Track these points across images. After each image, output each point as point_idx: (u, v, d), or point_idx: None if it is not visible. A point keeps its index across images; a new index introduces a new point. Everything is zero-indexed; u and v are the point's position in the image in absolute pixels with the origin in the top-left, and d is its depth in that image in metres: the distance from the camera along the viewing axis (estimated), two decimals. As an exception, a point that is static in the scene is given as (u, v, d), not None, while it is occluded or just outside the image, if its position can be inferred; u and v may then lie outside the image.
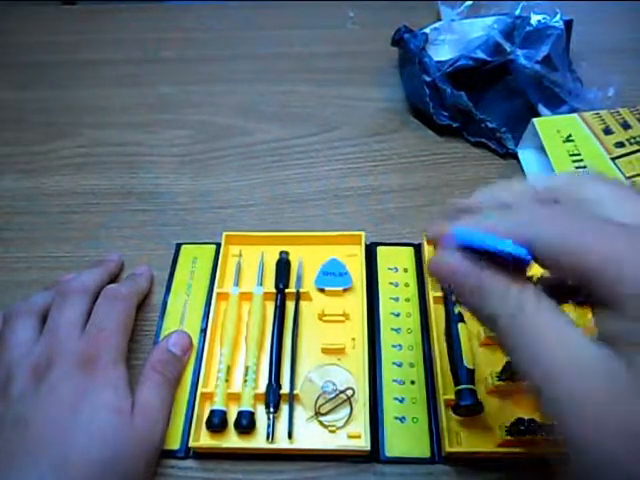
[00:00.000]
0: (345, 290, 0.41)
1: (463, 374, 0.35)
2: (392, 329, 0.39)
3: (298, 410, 0.36)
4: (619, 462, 0.19)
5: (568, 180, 0.24)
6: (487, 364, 0.36)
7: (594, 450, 0.20)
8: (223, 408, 0.35)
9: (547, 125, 0.48)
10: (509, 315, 0.22)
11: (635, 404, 0.19)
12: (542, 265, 0.22)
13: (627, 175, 0.44)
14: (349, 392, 0.35)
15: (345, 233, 0.44)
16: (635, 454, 0.19)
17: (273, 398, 0.35)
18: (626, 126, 0.47)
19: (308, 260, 0.43)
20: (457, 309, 0.39)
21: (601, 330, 0.22)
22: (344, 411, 0.35)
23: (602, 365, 0.20)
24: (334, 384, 0.36)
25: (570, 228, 0.21)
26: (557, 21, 0.54)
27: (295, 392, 0.36)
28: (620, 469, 0.19)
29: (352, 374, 0.37)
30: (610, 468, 0.20)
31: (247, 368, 0.37)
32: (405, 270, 0.43)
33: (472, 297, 0.23)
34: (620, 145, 0.46)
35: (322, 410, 0.35)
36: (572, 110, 0.51)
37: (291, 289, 0.41)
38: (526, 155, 0.51)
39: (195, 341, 0.39)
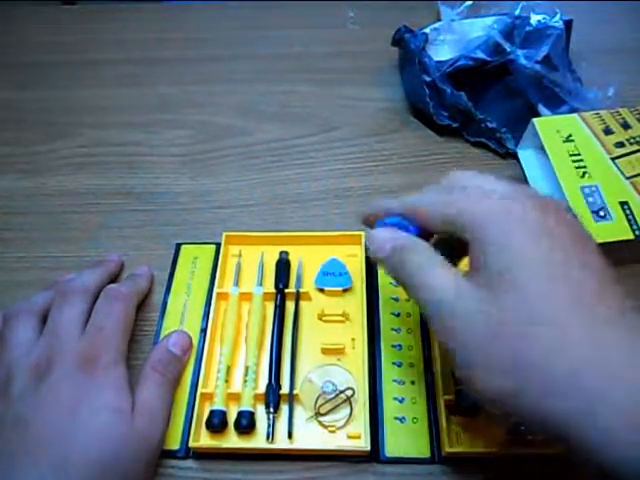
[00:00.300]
0: (345, 290, 0.41)
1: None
2: (392, 329, 0.39)
3: (298, 410, 0.36)
4: (508, 395, 0.24)
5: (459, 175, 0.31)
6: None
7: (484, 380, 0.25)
8: (223, 408, 0.35)
9: (547, 125, 0.48)
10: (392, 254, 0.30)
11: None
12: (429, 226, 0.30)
13: (627, 175, 0.44)
14: (349, 392, 0.35)
15: (345, 233, 0.44)
16: (523, 383, 0.23)
17: (273, 398, 0.35)
18: (626, 126, 0.47)
19: (308, 260, 0.43)
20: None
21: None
22: (344, 411, 0.35)
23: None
24: (334, 384, 0.36)
25: (442, 198, 0.30)
26: (557, 21, 0.54)
27: (295, 392, 0.36)
28: (509, 400, 0.24)
29: (352, 374, 0.37)
30: (500, 400, 0.24)
31: (247, 368, 0.37)
32: (405, 270, 0.43)
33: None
34: (620, 145, 0.46)
35: (322, 410, 0.35)
36: (572, 110, 0.51)
37: (291, 289, 0.41)
38: (526, 155, 0.51)
39: (195, 341, 0.39)
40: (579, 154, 0.46)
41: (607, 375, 0.22)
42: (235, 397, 0.36)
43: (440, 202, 0.29)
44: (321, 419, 0.35)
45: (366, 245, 0.32)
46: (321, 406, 0.35)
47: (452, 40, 0.57)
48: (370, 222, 0.33)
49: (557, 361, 0.23)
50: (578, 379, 0.22)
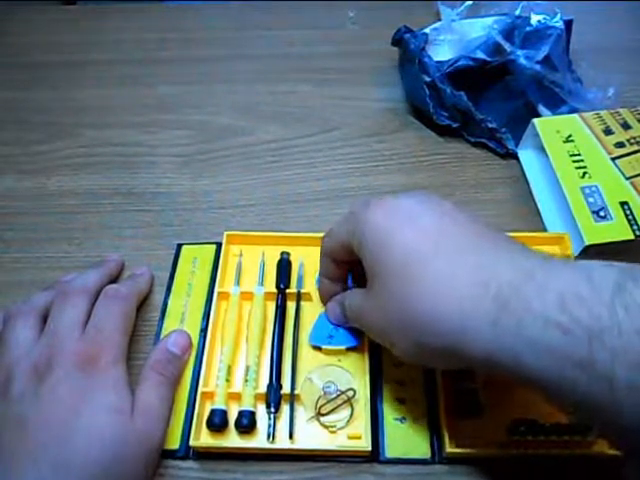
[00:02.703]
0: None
1: (463, 374, 0.35)
2: (392, 329, 0.39)
3: (299, 410, 0.36)
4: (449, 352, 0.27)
5: None
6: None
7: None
8: (224, 408, 0.35)
9: (547, 125, 0.48)
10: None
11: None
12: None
13: (627, 175, 0.44)
14: (350, 393, 0.35)
15: (345, 233, 0.44)
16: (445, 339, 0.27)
17: (274, 398, 0.35)
18: (626, 126, 0.47)
19: (309, 260, 0.43)
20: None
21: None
22: (345, 412, 0.35)
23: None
24: (335, 385, 0.36)
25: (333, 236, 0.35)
26: (557, 21, 0.54)
27: (296, 392, 0.36)
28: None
29: (352, 375, 0.37)
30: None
31: (248, 368, 0.37)
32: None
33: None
34: (620, 145, 0.46)
35: (323, 411, 0.35)
36: (572, 110, 0.51)
37: (292, 289, 0.41)
38: (526, 155, 0.51)
39: (195, 341, 0.39)
40: (579, 154, 0.46)
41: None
42: (236, 397, 0.36)
43: (334, 239, 0.35)
44: (322, 419, 0.35)
45: None
46: (322, 406, 0.35)
47: (452, 40, 0.57)
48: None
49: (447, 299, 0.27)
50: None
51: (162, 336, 0.39)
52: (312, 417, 0.35)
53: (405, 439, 0.35)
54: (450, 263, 0.27)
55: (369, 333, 0.34)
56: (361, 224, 0.31)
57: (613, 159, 0.45)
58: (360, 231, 0.31)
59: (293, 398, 0.36)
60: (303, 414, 0.36)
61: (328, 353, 0.38)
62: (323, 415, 0.35)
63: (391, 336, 0.30)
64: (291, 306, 0.40)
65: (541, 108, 0.52)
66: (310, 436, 0.35)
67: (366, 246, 0.30)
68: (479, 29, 0.56)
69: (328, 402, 0.35)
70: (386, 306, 0.29)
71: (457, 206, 0.31)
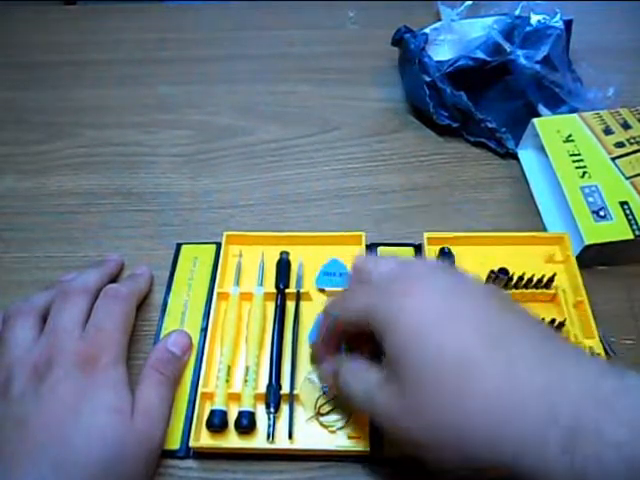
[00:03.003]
0: (345, 290, 0.41)
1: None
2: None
3: (298, 410, 0.36)
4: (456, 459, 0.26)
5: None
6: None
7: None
8: (223, 408, 0.35)
9: (547, 125, 0.48)
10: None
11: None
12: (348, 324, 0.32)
13: (627, 175, 0.44)
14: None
15: (346, 233, 0.44)
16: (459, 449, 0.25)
17: (273, 398, 0.35)
18: (626, 126, 0.47)
19: (308, 260, 0.43)
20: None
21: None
22: (344, 412, 0.35)
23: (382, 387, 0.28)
24: None
25: (350, 296, 0.32)
26: (557, 21, 0.54)
27: (295, 392, 0.36)
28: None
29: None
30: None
31: (247, 368, 0.37)
32: (405, 270, 0.43)
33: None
34: (620, 145, 0.46)
35: (322, 410, 0.35)
36: (572, 110, 0.51)
37: (291, 289, 0.41)
38: (526, 155, 0.51)
39: (195, 341, 0.39)
40: (579, 154, 0.46)
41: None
42: (235, 397, 0.36)
43: (347, 308, 0.32)
44: (321, 419, 0.35)
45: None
46: (321, 406, 0.35)
47: (452, 40, 0.57)
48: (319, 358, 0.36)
49: (471, 405, 0.24)
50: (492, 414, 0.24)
51: (162, 336, 0.39)
52: (311, 417, 0.35)
53: (405, 439, 0.35)
54: (512, 377, 0.24)
55: (384, 426, 0.29)
56: (393, 312, 0.27)
57: (613, 159, 0.45)
58: (390, 319, 0.27)
59: (292, 398, 0.36)
60: (303, 414, 0.36)
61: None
62: (322, 415, 0.35)
63: (428, 446, 0.26)
64: (290, 306, 0.40)
65: (541, 108, 0.52)
66: (310, 436, 0.35)
67: (399, 341, 0.27)
68: (479, 29, 0.56)
69: (327, 402, 0.35)
70: (427, 415, 0.26)
71: (498, 291, 0.29)
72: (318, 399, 0.35)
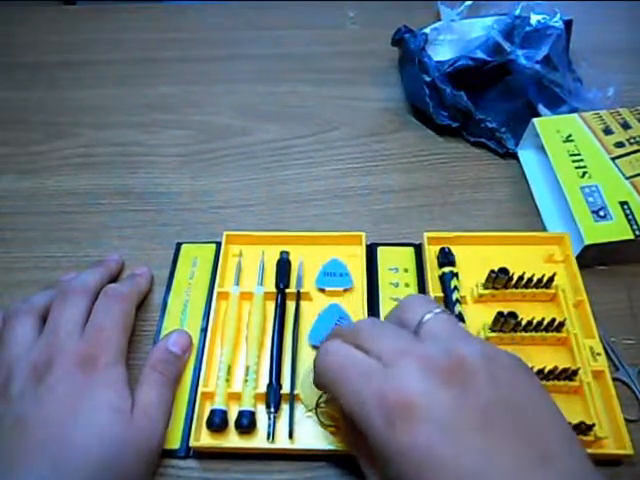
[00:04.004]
0: (345, 290, 0.41)
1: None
2: (392, 329, 0.39)
3: (298, 410, 0.36)
4: None
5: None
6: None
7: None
8: (224, 408, 0.35)
9: (547, 125, 0.48)
10: None
11: None
12: None
13: (627, 175, 0.44)
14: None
15: (345, 233, 0.44)
16: None
17: (274, 398, 0.35)
18: (626, 126, 0.47)
19: (308, 260, 0.43)
20: (457, 309, 0.39)
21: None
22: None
23: None
24: None
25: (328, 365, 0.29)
26: (557, 21, 0.54)
27: (296, 392, 0.36)
28: None
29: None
30: None
31: (247, 368, 0.37)
32: (405, 270, 0.43)
33: None
34: (620, 145, 0.46)
35: (322, 404, 0.35)
36: (572, 110, 0.51)
37: (291, 289, 0.41)
38: (526, 155, 0.51)
39: (195, 341, 0.39)
40: (579, 154, 0.46)
41: None
42: (236, 397, 0.36)
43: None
44: (320, 415, 0.35)
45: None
46: (321, 401, 0.35)
47: (452, 40, 0.57)
48: None
49: None
50: None
51: (162, 336, 0.39)
52: (311, 409, 0.35)
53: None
54: None
55: None
56: (385, 443, 0.25)
57: (613, 159, 0.45)
58: (382, 449, 0.25)
59: (293, 398, 0.36)
60: (303, 414, 0.36)
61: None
62: (321, 408, 0.35)
63: None
64: (291, 306, 0.40)
65: (541, 108, 0.52)
66: (310, 436, 0.35)
67: (395, 467, 0.25)
68: (479, 29, 0.56)
69: (328, 400, 0.35)
70: None
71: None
72: (321, 397, 0.35)
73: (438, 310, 0.29)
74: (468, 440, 0.24)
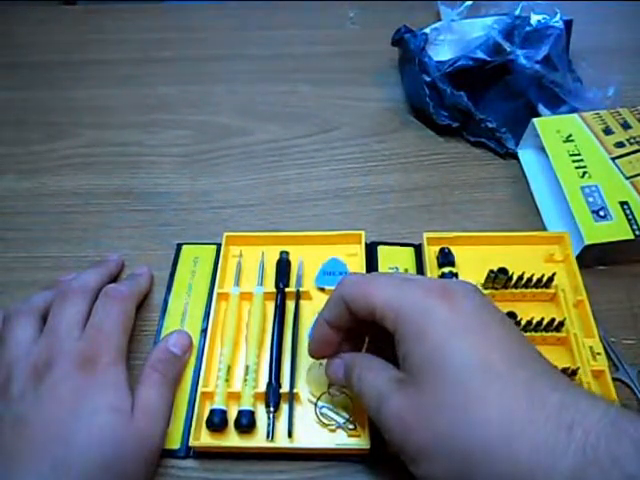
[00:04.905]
0: (345, 290, 0.41)
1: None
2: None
3: (298, 409, 0.36)
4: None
5: None
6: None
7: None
8: (223, 407, 0.35)
9: (547, 125, 0.48)
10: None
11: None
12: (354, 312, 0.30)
13: (627, 175, 0.44)
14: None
15: (345, 232, 0.44)
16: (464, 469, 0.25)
17: (273, 397, 0.35)
18: (626, 126, 0.47)
19: (308, 260, 0.43)
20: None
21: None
22: (344, 410, 0.35)
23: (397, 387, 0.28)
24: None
25: (359, 289, 0.30)
26: (557, 21, 0.54)
27: (295, 391, 0.36)
28: None
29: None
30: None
31: (247, 367, 0.37)
32: (405, 270, 0.43)
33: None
34: (620, 145, 0.46)
35: (323, 398, 0.35)
36: (572, 110, 0.51)
37: (291, 288, 0.41)
38: (526, 155, 0.51)
39: (196, 341, 0.39)
40: (579, 154, 0.46)
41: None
42: (235, 396, 0.36)
43: (359, 294, 0.30)
44: (322, 420, 0.35)
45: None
46: (323, 394, 0.35)
47: (452, 40, 0.57)
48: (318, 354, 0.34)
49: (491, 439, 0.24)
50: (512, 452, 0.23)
51: (162, 336, 0.39)
52: (324, 393, 0.35)
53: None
54: (532, 392, 0.24)
55: (389, 436, 0.28)
56: (421, 313, 0.27)
57: (613, 159, 0.45)
58: (418, 322, 0.27)
59: (292, 397, 0.36)
60: (303, 413, 0.36)
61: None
62: (333, 397, 0.35)
63: (429, 457, 0.26)
64: (290, 305, 0.40)
65: (541, 108, 0.52)
66: (309, 435, 0.35)
67: (426, 350, 0.26)
68: (479, 29, 0.56)
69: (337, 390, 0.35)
70: (441, 423, 0.25)
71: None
72: (321, 395, 0.35)
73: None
74: (496, 330, 0.27)
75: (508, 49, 0.52)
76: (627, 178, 0.44)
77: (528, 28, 0.54)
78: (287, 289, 0.41)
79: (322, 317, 0.32)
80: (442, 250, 0.42)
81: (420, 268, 0.42)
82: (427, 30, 0.57)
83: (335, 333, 0.32)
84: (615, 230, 0.41)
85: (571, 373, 0.35)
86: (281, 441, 0.34)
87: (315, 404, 0.35)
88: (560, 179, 0.44)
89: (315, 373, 0.37)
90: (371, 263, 0.43)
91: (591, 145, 0.46)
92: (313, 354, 0.34)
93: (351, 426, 0.35)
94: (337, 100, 0.58)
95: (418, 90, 0.53)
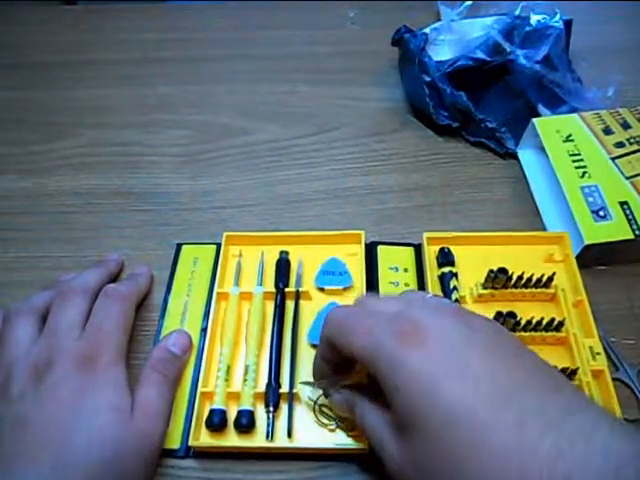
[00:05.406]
0: (345, 289, 0.41)
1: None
2: (392, 329, 0.39)
3: (298, 409, 0.36)
4: None
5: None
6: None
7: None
8: (223, 407, 0.35)
9: (547, 125, 0.48)
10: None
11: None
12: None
13: (627, 175, 0.44)
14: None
15: (345, 232, 0.44)
16: None
17: (273, 397, 0.35)
18: (626, 126, 0.47)
19: (308, 259, 0.43)
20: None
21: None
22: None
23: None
24: None
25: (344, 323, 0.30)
26: (557, 21, 0.54)
27: (295, 391, 0.36)
28: None
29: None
30: None
31: (247, 367, 0.37)
32: (405, 270, 0.43)
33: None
34: (620, 145, 0.46)
35: (322, 407, 0.35)
36: (572, 110, 0.51)
37: (291, 288, 0.41)
38: (526, 155, 0.51)
39: (195, 341, 0.39)
40: (579, 154, 0.46)
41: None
42: (235, 396, 0.36)
43: (340, 338, 0.30)
44: (319, 414, 0.35)
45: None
46: (320, 404, 0.35)
47: (452, 40, 0.57)
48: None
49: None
50: None
51: (162, 336, 0.39)
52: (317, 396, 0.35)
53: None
54: (521, 440, 0.23)
55: (390, 468, 0.28)
56: (399, 362, 0.26)
57: (613, 159, 0.45)
58: (396, 371, 0.26)
59: (292, 397, 0.36)
60: (302, 413, 0.36)
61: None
62: (320, 401, 0.35)
63: None
64: (290, 305, 0.40)
65: (541, 108, 0.52)
66: (309, 435, 0.35)
67: (408, 398, 0.26)
68: (479, 29, 0.56)
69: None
70: (434, 474, 0.25)
71: (507, 335, 0.28)
72: (317, 399, 0.35)
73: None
74: (474, 358, 0.26)
75: (508, 49, 0.53)
76: (627, 178, 0.44)
77: (528, 28, 0.54)
78: (287, 289, 0.41)
79: (317, 351, 0.33)
80: (442, 250, 0.42)
81: (420, 268, 0.42)
82: (427, 30, 0.57)
83: (328, 366, 0.32)
84: (615, 230, 0.41)
85: (571, 373, 0.35)
86: (280, 441, 0.34)
87: (314, 403, 0.35)
88: (560, 179, 0.44)
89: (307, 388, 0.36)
90: (371, 263, 0.43)
91: (591, 145, 0.46)
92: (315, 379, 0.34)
93: (350, 426, 0.35)
94: (337, 100, 0.58)
95: (418, 90, 0.53)
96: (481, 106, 0.52)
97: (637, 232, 0.41)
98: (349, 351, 0.29)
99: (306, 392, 0.36)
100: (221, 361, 0.37)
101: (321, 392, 0.35)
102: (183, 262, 0.44)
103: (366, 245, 0.43)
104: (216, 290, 0.41)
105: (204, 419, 0.35)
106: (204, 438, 0.35)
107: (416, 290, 0.34)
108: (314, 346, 0.39)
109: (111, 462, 0.31)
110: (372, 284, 0.41)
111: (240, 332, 0.39)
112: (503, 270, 0.39)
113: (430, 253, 0.42)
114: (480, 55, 0.52)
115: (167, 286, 0.43)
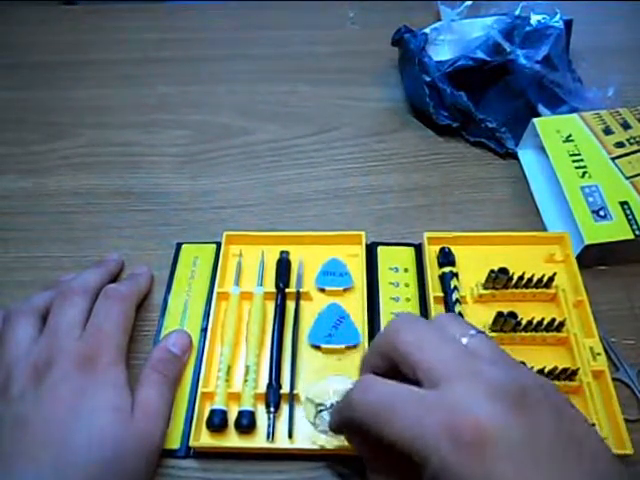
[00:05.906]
0: (345, 290, 0.41)
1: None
2: (392, 329, 0.39)
3: (298, 410, 0.36)
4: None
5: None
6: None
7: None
8: (223, 408, 0.35)
9: (547, 125, 0.48)
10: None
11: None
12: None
13: (627, 175, 0.44)
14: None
15: (345, 233, 0.44)
16: None
17: (273, 398, 0.35)
18: (626, 126, 0.47)
19: (308, 260, 0.43)
20: (457, 309, 0.39)
21: None
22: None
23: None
24: (331, 399, 0.34)
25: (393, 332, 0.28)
26: (557, 21, 0.54)
27: (295, 392, 0.36)
28: None
29: (352, 377, 0.36)
30: None
31: (247, 368, 0.37)
32: (406, 270, 0.43)
33: None
34: (620, 145, 0.46)
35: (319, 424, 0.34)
36: (572, 110, 0.51)
37: (291, 289, 0.41)
38: (526, 155, 0.51)
39: (196, 341, 0.39)
40: (579, 154, 0.46)
41: None
42: (235, 397, 0.36)
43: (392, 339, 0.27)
44: (319, 423, 0.34)
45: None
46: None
47: (452, 40, 0.57)
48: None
49: None
50: None
51: (162, 335, 0.39)
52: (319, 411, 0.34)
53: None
54: None
55: None
56: (448, 477, 0.23)
57: (613, 159, 0.45)
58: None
59: (292, 398, 0.36)
60: (302, 413, 0.35)
61: (327, 352, 0.38)
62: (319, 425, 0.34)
63: None
64: (290, 305, 0.40)
65: (541, 108, 0.52)
66: (309, 435, 0.35)
67: None
68: (479, 29, 0.56)
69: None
70: None
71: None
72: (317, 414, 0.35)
73: (474, 331, 0.28)
74: (541, 474, 0.23)
75: (508, 49, 0.53)
76: (627, 178, 0.44)
77: (528, 28, 0.54)
78: (287, 289, 0.41)
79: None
80: (442, 250, 0.42)
81: (420, 268, 0.42)
82: (427, 30, 0.57)
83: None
84: (615, 230, 0.41)
85: (571, 373, 0.35)
86: (281, 442, 0.34)
87: (315, 409, 0.35)
88: (560, 179, 0.44)
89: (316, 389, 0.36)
90: (371, 263, 0.43)
91: (591, 145, 0.46)
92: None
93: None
94: (337, 100, 0.58)
95: (418, 90, 0.53)
96: (481, 106, 0.52)
97: (637, 232, 0.41)
98: (388, 441, 0.25)
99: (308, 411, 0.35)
100: (221, 361, 0.37)
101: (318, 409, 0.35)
102: (183, 262, 0.44)
103: (366, 246, 0.43)
104: (216, 290, 0.41)
105: (204, 419, 0.35)
106: (204, 438, 0.35)
107: (453, 323, 0.29)
108: (314, 347, 0.39)
109: (111, 462, 0.31)
110: (373, 285, 0.41)
111: (240, 332, 0.39)
112: (504, 270, 0.39)
113: (430, 253, 0.42)
114: (480, 55, 0.52)
115: (167, 286, 0.43)
